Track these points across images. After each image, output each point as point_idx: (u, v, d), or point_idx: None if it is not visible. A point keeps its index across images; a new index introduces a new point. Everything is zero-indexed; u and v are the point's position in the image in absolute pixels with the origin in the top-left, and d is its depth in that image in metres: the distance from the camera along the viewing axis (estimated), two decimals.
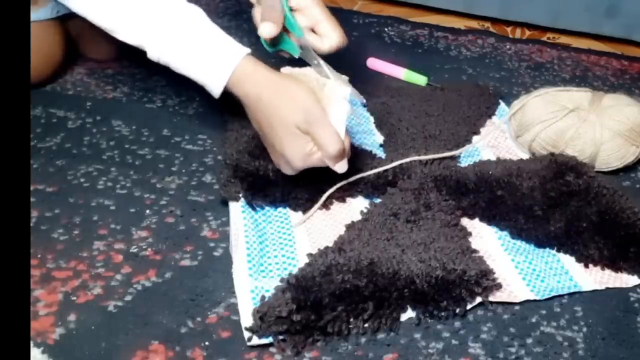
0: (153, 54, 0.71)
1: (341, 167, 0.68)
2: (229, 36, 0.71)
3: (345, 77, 0.72)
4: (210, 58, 0.69)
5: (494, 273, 0.65)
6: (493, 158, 0.84)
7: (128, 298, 0.63)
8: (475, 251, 0.68)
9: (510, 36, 1.26)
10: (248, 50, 0.69)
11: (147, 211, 0.73)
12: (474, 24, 1.30)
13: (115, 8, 0.71)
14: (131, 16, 0.70)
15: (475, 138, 0.89)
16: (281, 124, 0.66)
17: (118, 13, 0.71)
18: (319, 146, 0.66)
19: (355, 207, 0.75)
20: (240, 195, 0.73)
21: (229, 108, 0.86)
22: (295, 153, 0.67)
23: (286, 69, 0.71)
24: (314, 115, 0.65)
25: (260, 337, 0.58)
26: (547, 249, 0.71)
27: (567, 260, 0.70)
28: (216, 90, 0.70)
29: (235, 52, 0.69)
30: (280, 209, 0.74)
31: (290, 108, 0.66)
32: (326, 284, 0.60)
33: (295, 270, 0.64)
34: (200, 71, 0.70)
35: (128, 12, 0.70)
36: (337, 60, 0.91)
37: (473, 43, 1.20)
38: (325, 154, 0.66)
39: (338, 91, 0.69)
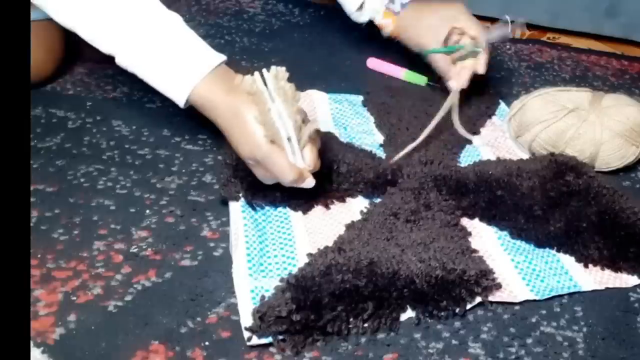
0: (121, 61, 0.72)
1: (307, 184, 0.68)
2: (201, 47, 0.71)
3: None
4: (171, 74, 0.70)
5: (493, 273, 0.65)
6: (493, 158, 0.84)
7: (128, 298, 0.63)
8: (475, 251, 0.68)
9: (510, 36, 1.26)
10: (214, 64, 0.69)
11: (147, 211, 0.73)
12: None
13: (92, 17, 0.71)
14: (106, 24, 0.71)
15: (475, 138, 0.89)
16: (237, 153, 0.68)
17: (94, 22, 0.71)
18: (274, 177, 0.67)
19: (355, 207, 0.75)
20: (240, 195, 0.73)
21: None
22: (259, 175, 0.69)
23: (248, 79, 0.67)
24: (261, 152, 0.65)
25: (260, 337, 0.58)
26: (547, 249, 0.71)
27: (567, 260, 0.70)
28: (180, 104, 0.72)
29: (196, 70, 0.69)
30: (280, 208, 0.74)
31: (241, 143, 0.67)
32: (326, 283, 0.60)
33: (295, 270, 0.64)
34: (162, 84, 0.71)
35: (103, 21, 0.71)
36: (338, 60, 0.91)
37: None
38: (282, 183, 0.67)
39: (283, 117, 0.65)
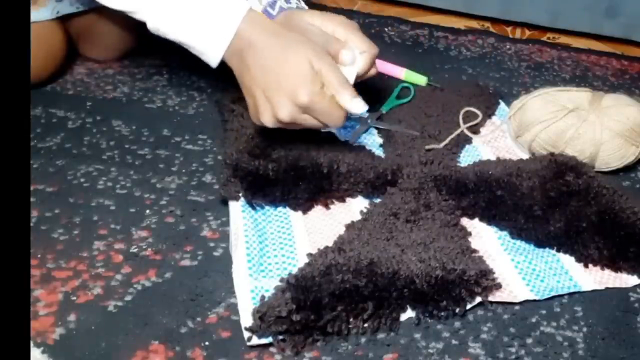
0: (153, 25, 0.71)
1: (357, 103, 0.69)
2: None
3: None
4: (207, 25, 0.69)
5: (493, 273, 0.65)
6: (493, 158, 0.84)
7: (128, 298, 0.63)
8: (475, 251, 0.68)
9: (510, 36, 1.26)
10: (245, 8, 0.70)
11: (147, 211, 0.73)
12: (474, 24, 1.30)
13: None
14: None
15: (475, 138, 0.89)
16: (296, 57, 0.67)
17: None
18: (330, 80, 0.67)
19: (355, 207, 0.75)
20: (240, 194, 0.73)
21: (229, 108, 0.87)
22: (304, 84, 0.67)
23: None
24: (323, 59, 0.68)
25: (260, 337, 0.58)
26: (547, 249, 0.71)
27: (567, 260, 0.70)
28: (220, 48, 0.70)
29: (240, 5, 0.70)
30: (280, 208, 0.74)
31: (303, 43, 0.69)
32: (326, 284, 0.60)
33: (295, 270, 0.64)
34: (198, 39, 0.70)
35: None
36: None
37: (473, 43, 1.20)
38: (336, 85, 0.68)
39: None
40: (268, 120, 0.69)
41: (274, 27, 0.71)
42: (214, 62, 0.71)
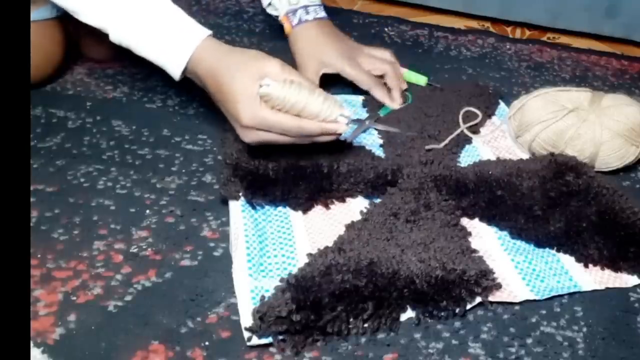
0: (114, 37, 0.74)
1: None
2: (191, 18, 0.74)
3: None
4: (170, 40, 0.72)
5: (493, 273, 0.65)
6: (493, 158, 0.84)
7: (128, 298, 0.63)
8: (475, 251, 0.68)
9: (510, 36, 1.26)
10: (208, 32, 0.73)
11: (147, 211, 0.73)
12: (474, 24, 1.30)
13: None
14: (99, 3, 0.73)
15: (475, 138, 0.89)
16: (240, 82, 0.69)
17: (89, 2, 0.74)
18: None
19: (355, 207, 0.75)
20: (240, 194, 0.73)
21: None
22: (242, 109, 0.68)
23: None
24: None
25: (260, 337, 0.58)
26: (547, 249, 0.71)
27: (567, 260, 0.70)
28: (176, 73, 0.74)
29: (196, 33, 0.72)
30: (280, 208, 0.74)
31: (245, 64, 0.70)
32: (326, 284, 0.60)
33: (295, 270, 0.64)
34: (159, 54, 0.73)
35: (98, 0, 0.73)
36: None
37: (473, 43, 1.20)
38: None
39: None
40: (249, 142, 0.72)
41: (226, 50, 0.72)
42: (175, 77, 0.75)
